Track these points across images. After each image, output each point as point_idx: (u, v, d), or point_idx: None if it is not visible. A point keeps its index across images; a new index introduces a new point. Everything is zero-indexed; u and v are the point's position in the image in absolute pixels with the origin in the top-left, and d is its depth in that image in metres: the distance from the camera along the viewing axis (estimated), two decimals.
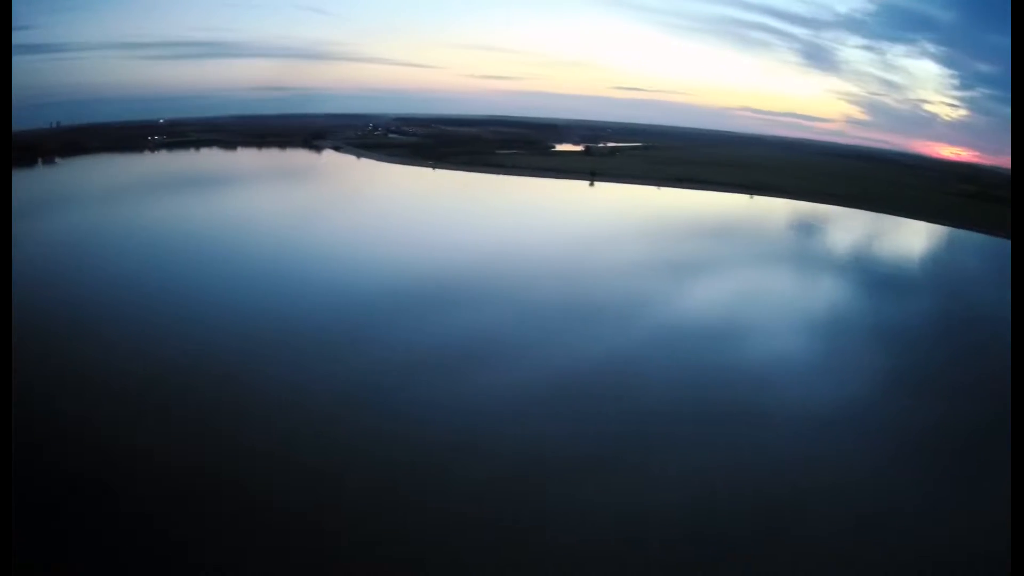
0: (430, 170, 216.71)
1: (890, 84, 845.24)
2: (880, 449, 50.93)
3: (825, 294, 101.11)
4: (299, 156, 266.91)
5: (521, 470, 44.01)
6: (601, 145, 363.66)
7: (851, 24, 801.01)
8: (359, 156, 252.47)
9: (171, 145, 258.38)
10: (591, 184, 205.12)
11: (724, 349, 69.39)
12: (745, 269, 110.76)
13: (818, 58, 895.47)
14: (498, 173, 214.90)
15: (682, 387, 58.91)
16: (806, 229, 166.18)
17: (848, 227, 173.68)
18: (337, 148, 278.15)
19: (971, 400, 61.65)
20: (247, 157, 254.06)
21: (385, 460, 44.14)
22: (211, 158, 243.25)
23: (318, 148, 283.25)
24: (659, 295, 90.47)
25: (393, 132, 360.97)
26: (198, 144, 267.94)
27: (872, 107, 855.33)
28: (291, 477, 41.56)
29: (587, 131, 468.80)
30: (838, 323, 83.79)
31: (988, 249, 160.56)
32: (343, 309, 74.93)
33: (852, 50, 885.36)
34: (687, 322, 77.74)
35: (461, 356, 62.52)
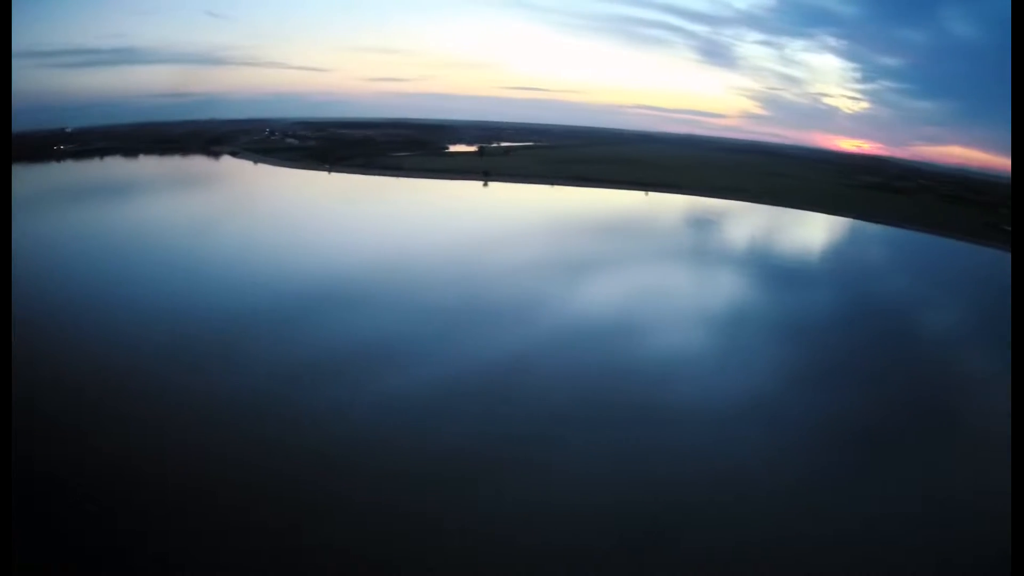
0: (325, 174, 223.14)
1: (789, 79, 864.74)
2: (775, 443, 51.93)
3: (721, 289, 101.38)
4: (197, 162, 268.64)
5: (412, 474, 44.26)
6: (495, 145, 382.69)
7: (750, 20, 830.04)
8: (256, 161, 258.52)
9: (77, 154, 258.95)
10: (485, 184, 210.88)
11: (614, 348, 69.88)
12: (636, 266, 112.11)
13: (716, 55, 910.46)
14: (393, 175, 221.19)
15: (576, 387, 59.43)
16: (700, 225, 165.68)
17: (744, 221, 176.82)
18: (234, 153, 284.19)
19: (871, 391, 64.83)
20: (147, 165, 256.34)
21: (278, 466, 44.19)
22: (114, 167, 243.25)
23: (216, 154, 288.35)
24: (552, 294, 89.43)
25: (290, 136, 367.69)
26: (102, 152, 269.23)
27: (770, 102, 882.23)
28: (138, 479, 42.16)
29: (482, 132, 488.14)
30: (734, 319, 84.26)
31: (897, 240, 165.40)
32: (231, 315, 73.53)
33: (751, 46, 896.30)
34: (581, 321, 78.05)
35: (348, 362, 61.88)
